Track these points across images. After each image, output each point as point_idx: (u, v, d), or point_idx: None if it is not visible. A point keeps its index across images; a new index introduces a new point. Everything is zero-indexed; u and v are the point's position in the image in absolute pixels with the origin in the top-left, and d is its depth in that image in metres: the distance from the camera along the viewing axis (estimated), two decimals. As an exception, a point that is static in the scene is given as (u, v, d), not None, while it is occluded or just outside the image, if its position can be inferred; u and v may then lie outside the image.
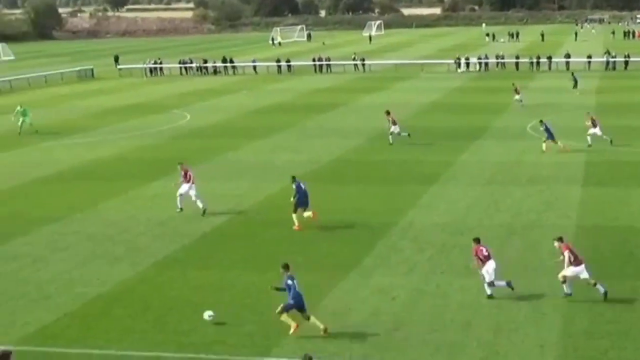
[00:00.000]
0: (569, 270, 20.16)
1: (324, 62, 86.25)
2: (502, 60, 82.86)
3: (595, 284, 20.15)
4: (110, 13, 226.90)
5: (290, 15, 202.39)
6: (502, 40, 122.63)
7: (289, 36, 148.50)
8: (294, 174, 28.95)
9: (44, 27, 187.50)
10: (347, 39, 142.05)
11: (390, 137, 41.47)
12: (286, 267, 18.91)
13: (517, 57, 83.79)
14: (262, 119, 52.51)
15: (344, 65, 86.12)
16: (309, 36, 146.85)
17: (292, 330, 18.33)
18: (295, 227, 26.91)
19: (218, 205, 29.88)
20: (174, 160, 32.49)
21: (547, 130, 38.36)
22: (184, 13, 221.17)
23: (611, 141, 38.93)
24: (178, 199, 29.29)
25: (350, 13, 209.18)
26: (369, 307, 19.95)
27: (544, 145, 38.33)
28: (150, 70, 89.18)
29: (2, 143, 46.40)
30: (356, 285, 21.57)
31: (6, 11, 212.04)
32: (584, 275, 20.19)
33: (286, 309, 18.37)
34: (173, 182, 30.18)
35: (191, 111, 56.96)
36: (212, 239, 26.19)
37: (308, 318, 18.50)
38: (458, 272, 22.20)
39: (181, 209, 29.23)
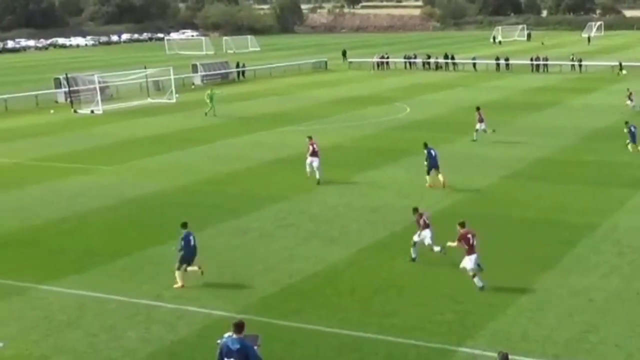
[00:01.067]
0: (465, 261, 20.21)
1: (542, 62, 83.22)
2: None
3: (474, 276, 20.05)
4: (346, 10, 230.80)
5: (512, 14, 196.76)
6: None
7: (510, 35, 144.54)
8: (501, 170, 28.35)
9: (287, 21, 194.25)
10: (566, 39, 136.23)
11: (475, 134, 40.98)
12: (184, 225, 21.00)
13: None
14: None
15: (560, 65, 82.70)
16: (528, 36, 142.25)
17: (177, 285, 20.50)
18: (427, 184, 30.97)
19: (428, 196, 29.69)
20: (390, 151, 32.66)
21: (630, 132, 37.11)
22: (412, 10, 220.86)
23: None
24: (307, 167, 32.62)
25: (571, 13, 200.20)
26: (564, 308, 19.06)
27: (629, 147, 36.97)
28: (378, 64, 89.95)
29: (239, 127, 48.55)
30: (553, 284, 20.67)
31: (256, 6, 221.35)
32: (470, 265, 20.09)
33: (181, 262, 20.57)
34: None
35: (411, 104, 56.91)
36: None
37: (186, 270, 20.65)
38: (659, 280, 20.75)
39: (318, 181, 32.01)
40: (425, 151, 31.03)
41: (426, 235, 22.20)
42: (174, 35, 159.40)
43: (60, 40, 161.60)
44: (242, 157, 38.65)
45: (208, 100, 54.25)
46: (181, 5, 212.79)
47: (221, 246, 24.35)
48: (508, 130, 44.73)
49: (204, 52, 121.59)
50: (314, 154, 32.28)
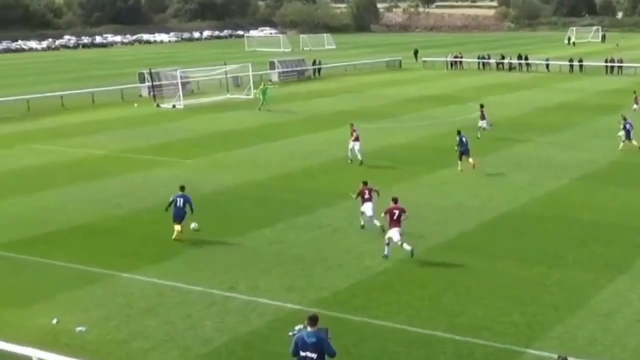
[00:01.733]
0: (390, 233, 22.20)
1: (616, 64, 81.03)
2: None
3: (402, 244, 22.16)
4: (421, 9, 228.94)
5: (587, 15, 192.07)
6: None
7: (584, 36, 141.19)
8: (573, 172, 27.75)
9: (363, 20, 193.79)
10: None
11: (478, 132, 41.20)
12: (182, 188, 25.16)
13: None
14: (548, 116, 50.57)
15: (635, 67, 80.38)
16: (603, 37, 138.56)
17: (174, 235, 24.34)
18: (459, 169, 33.22)
19: (498, 196, 29.29)
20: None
21: (625, 129, 37.37)
22: (487, 10, 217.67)
23: None
24: (349, 152, 35.57)
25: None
26: (636, 312, 18.57)
27: (621, 144, 37.56)
28: (451, 63, 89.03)
29: (314, 124, 48.71)
30: (625, 288, 20.14)
31: (333, 5, 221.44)
32: (396, 236, 22.09)
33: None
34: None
35: (485, 104, 56.08)
36: (489, 228, 25.70)
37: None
38: None
39: (351, 160, 35.39)
40: (457, 138, 33.75)
41: (367, 207, 24.68)
42: (253, 33, 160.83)
43: (145, 37, 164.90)
44: (316, 154, 38.79)
45: (260, 96, 55.54)
46: (260, 3, 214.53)
47: (293, 241, 24.50)
48: (581, 133, 43.76)
49: (281, 50, 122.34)
50: (357, 139, 35.73)
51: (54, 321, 18.30)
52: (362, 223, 25.22)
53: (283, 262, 22.37)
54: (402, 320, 18.16)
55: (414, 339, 17.19)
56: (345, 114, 51.97)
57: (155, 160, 37.78)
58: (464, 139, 33.56)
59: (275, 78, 76.38)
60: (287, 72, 78.59)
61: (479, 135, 40.74)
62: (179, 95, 59.20)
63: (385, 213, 22.62)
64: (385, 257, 22.22)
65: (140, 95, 65.00)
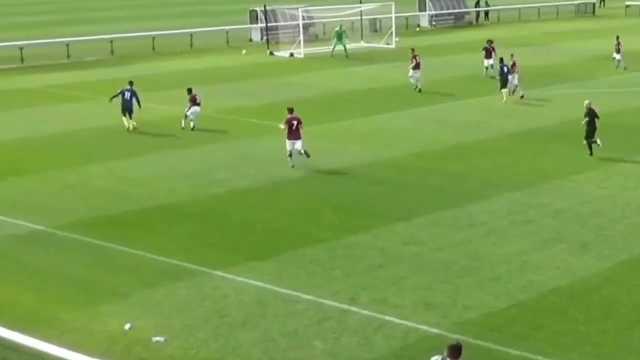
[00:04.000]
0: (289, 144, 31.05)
1: None
2: None
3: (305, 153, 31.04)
4: None
5: None
6: None
7: None
8: None
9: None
10: None
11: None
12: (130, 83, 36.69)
13: None
14: None
15: None
16: None
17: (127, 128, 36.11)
18: (504, 100, 40.39)
19: None
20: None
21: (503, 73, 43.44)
22: None
23: None
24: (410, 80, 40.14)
25: None
26: None
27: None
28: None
29: (473, 86, 48.10)
30: None
31: None
32: (297, 146, 31.11)
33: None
34: None
35: None
36: None
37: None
38: None
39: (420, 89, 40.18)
40: (499, 67, 42.95)
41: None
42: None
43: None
44: (474, 126, 38.38)
45: (334, 39, 57.34)
46: None
47: (435, 241, 24.32)
48: None
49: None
50: (417, 66, 42.42)
51: (127, 326, 18.89)
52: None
53: (420, 269, 22.23)
54: (575, 358, 17.70)
55: (590, 386, 16.79)
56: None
57: (264, 126, 38.34)
58: (505, 68, 39.26)
59: (425, 23, 75.91)
60: (441, 15, 77.92)
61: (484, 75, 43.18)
62: (299, 41, 59.80)
63: (285, 124, 31.05)
64: (292, 167, 31.00)
65: (250, 40, 66.22)
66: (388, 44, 62.74)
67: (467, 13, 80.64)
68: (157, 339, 18.36)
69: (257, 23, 67.20)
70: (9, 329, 16.27)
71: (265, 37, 63.86)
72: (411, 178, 30.59)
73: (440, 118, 39.83)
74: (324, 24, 68.46)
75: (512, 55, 44.50)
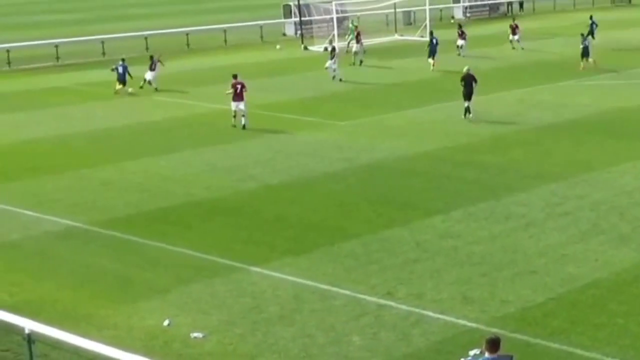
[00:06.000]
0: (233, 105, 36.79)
1: None
2: None
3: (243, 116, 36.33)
4: None
5: None
6: None
7: None
8: None
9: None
10: None
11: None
12: (122, 59, 44.39)
13: None
14: None
15: None
16: None
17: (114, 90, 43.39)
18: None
19: None
20: None
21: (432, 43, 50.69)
22: None
23: None
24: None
25: None
26: None
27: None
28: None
29: (509, 78, 47.81)
30: None
31: None
32: (241, 107, 36.65)
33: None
34: None
35: None
36: None
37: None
38: None
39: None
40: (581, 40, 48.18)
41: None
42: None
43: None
44: (510, 118, 38.22)
45: (351, 27, 58.60)
46: None
47: (472, 235, 24.20)
48: None
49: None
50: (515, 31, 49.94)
51: (166, 323, 18.99)
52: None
53: (457, 263, 22.14)
54: (614, 352, 17.54)
55: (630, 379, 16.67)
56: (551, 66, 50.84)
57: (299, 121, 38.43)
58: (586, 42, 40.70)
59: (459, 14, 75.62)
60: (475, 7, 77.58)
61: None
62: (334, 35, 59.73)
63: (232, 87, 36.44)
64: (234, 126, 36.57)
65: (284, 34, 66.29)
66: (422, 36, 62.47)
67: (502, 4, 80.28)
68: (195, 334, 18.45)
69: (290, 17, 67.22)
70: (48, 326, 16.37)
71: (299, 32, 63.87)
72: (446, 171, 30.49)
73: (476, 111, 39.60)
74: (358, 17, 68.36)
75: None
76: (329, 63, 48.17)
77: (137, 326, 18.97)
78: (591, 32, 54.83)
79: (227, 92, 37.25)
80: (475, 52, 55.72)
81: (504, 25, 68.11)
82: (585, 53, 49.30)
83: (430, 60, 50.50)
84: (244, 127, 36.54)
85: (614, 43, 59.74)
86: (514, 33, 57.43)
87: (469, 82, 37.41)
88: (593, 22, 57.52)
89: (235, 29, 65.99)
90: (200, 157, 33.00)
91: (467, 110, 37.47)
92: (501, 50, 56.79)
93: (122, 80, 45.73)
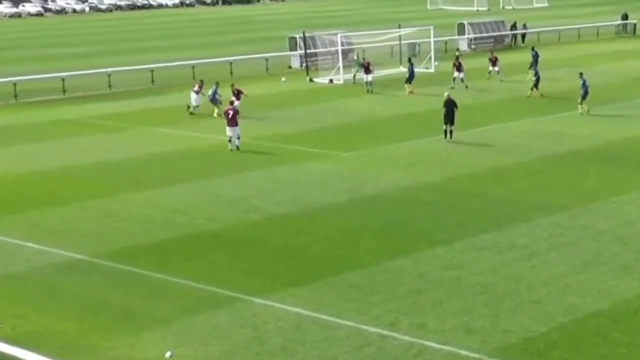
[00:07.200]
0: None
1: None
2: None
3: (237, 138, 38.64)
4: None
5: None
6: None
7: None
8: None
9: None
10: None
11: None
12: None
13: None
14: None
15: None
16: None
17: None
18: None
19: None
20: None
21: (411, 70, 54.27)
22: None
23: None
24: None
25: None
26: None
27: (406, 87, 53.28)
28: None
29: (512, 109, 47.82)
30: None
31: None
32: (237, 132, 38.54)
33: None
34: None
35: None
36: None
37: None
38: None
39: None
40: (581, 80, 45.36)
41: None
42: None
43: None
44: (513, 149, 38.25)
45: (356, 64, 58.97)
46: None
47: (475, 265, 24.21)
48: None
49: (474, 8, 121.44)
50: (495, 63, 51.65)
51: (168, 354, 18.97)
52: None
53: (460, 293, 22.14)
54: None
55: (633, 410, 16.58)
56: (555, 97, 50.85)
57: (304, 152, 38.50)
58: (586, 82, 43.53)
59: (464, 46, 75.88)
60: (480, 38, 77.84)
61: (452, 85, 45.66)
62: (339, 67, 59.92)
63: (225, 113, 38.95)
64: (231, 150, 38.45)
65: (290, 67, 66.45)
66: (427, 68, 62.68)
67: (507, 36, 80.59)
68: (196, 366, 18.45)
69: (296, 50, 67.48)
70: (51, 358, 16.41)
71: (304, 64, 64.09)
72: (451, 201, 30.52)
73: (479, 142, 39.69)
74: (363, 50, 68.56)
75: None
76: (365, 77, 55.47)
77: (139, 357, 18.99)
78: (535, 63, 57.41)
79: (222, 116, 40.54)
80: (478, 84, 55.80)
81: (509, 57, 68.46)
82: (537, 82, 51.43)
83: (407, 86, 54.30)
84: (237, 148, 38.55)
85: (618, 74, 59.89)
86: (494, 65, 58.76)
87: (450, 108, 39.35)
88: (536, 53, 59.81)
89: (241, 61, 66.21)
90: (204, 188, 33.04)
91: (449, 133, 39.53)
92: (505, 82, 56.85)
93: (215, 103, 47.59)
